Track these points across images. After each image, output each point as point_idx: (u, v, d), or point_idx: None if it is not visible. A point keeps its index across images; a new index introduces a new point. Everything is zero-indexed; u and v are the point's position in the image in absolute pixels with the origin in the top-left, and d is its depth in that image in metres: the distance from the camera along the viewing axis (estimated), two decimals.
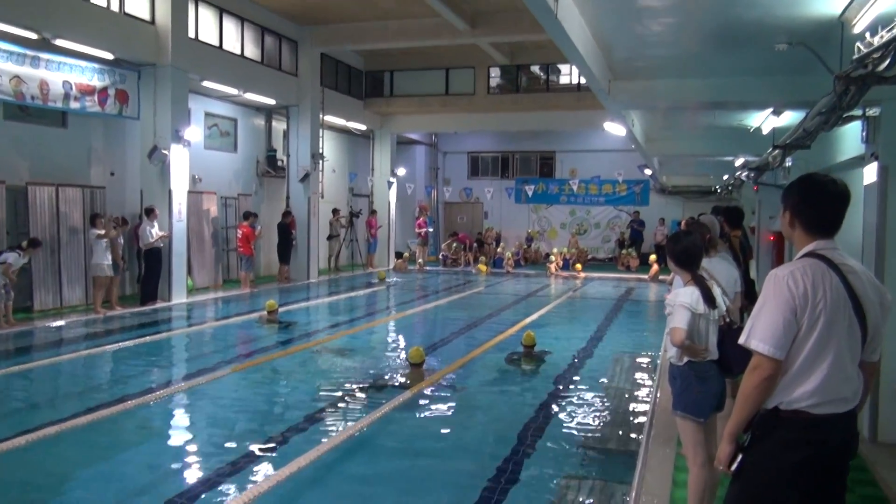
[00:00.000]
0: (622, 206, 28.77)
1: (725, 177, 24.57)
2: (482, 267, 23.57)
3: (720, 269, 5.30)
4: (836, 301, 3.08)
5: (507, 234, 29.08)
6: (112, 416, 7.03)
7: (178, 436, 6.68)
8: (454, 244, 26.44)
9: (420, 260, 24.79)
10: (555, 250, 25.13)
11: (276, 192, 20.84)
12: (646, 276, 21.80)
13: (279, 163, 20.62)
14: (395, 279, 20.74)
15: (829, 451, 3.07)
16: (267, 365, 9.33)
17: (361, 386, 8.27)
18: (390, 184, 24.84)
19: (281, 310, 13.44)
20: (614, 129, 15.41)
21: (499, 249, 25.96)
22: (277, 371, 9.04)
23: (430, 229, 26.72)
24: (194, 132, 15.57)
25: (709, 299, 4.49)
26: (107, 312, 13.11)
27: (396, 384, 8.42)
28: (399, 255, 26.41)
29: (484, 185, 27.90)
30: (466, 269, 24.78)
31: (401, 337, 11.98)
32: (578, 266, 23.48)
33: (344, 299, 16.48)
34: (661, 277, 20.58)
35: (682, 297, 4.49)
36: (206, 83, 16.68)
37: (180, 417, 7.26)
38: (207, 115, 18.33)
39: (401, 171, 26.10)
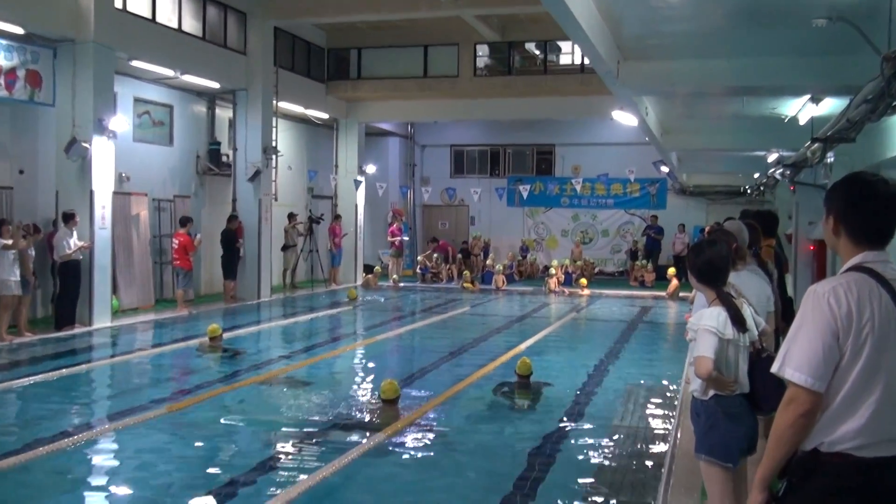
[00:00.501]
0: (635, 210, 29.00)
1: (756, 175, 24.85)
2: (468, 285, 23.62)
3: (751, 284, 5.34)
4: (885, 323, 3.08)
5: (497, 244, 29.19)
6: (20, 464, 6.95)
7: (99, 490, 6.61)
8: (434, 254, 26.49)
9: (394, 275, 24.81)
10: (555, 263, 25.27)
11: (221, 193, 20.79)
12: (663, 294, 21.97)
13: (224, 158, 20.58)
14: (365, 298, 20.72)
15: (879, 502, 3.09)
16: (209, 402, 9.27)
17: (323, 427, 8.24)
18: (358, 183, 24.89)
19: (226, 335, 13.38)
20: (624, 118, 15.52)
21: (488, 262, 26.05)
22: (222, 410, 8.98)
23: (406, 238, 26.80)
24: (121, 122, 15.51)
25: (738, 321, 4.52)
26: (14, 339, 12.98)
27: (366, 425, 8.41)
28: (369, 268, 26.39)
29: (470, 185, 27.99)
30: (449, 284, 24.84)
31: (371, 367, 11.96)
32: (583, 281, 23.59)
33: (302, 322, 16.44)
34: (681, 295, 20.75)
35: (707, 320, 4.52)
36: (135, 63, 16.63)
37: (103, 467, 7.17)
38: (137, 101, 18.27)
39: (370, 169, 26.13)
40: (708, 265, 4.65)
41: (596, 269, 28.04)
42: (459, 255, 27.46)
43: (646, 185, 28.54)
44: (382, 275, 25.13)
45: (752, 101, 14.08)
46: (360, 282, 24.86)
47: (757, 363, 4.57)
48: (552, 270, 24.13)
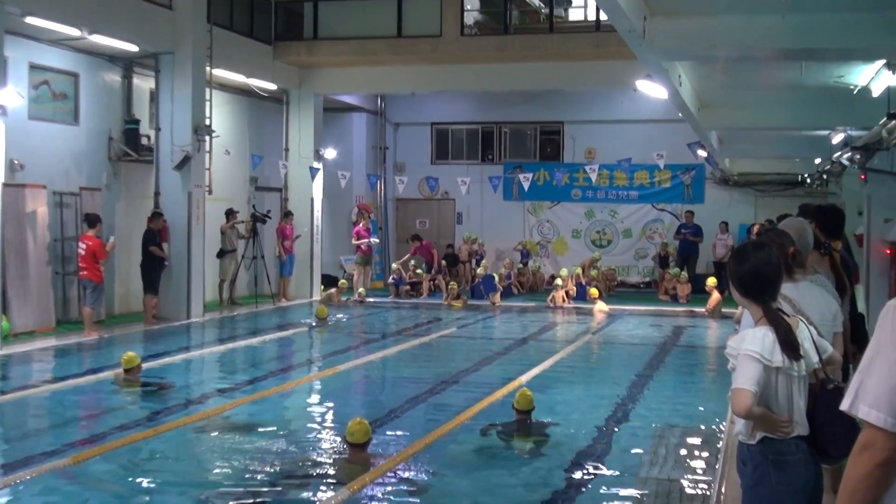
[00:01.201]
0: (665, 205, 29.19)
1: (818, 160, 25.03)
2: (456, 303, 23.63)
3: (811, 299, 5.32)
4: None
5: (491, 247, 29.29)
6: None
7: None
8: (413, 260, 26.50)
9: (361, 288, 24.82)
10: (563, 271, 25.39)
11: (140, 184, 20.74)
12: (702, 310, 22.08)
13: (144, 141, 20.54)
14: (330, 318, 20.71)
15: None
16: (125, 452, 9.22)
17: (272, 482, 8.22)
18: (314, 172, 24.87)
19: (146, 365, 13.32)
20: (651, 89, 15.58)
21: (479, 270, 26.09)
22: (142, 458, 8.94)
23: (376, 240, 26.82)
24: (12, 94, 15.42)
25: (790, 345, 4.53)
26: None
27: (328, 476, 8.39)
28: (328, 280, 26.37)
29: (456, 174, 27.99)
30: (431, 300, 24.88)
31: (332, 406, 11.95)
32: (594, 292, 23.73)
33: (245, 348, 16.41)
34: (725, 311, 20.85)
35: (749, 343, 4.53)
36: (30, 20, 16.57)
37: None
38: (34, 68, 18.19)
39: (330, 153, 26.15)
40: (753, 274, 4.66)
41: (617, 280, 28.16)
42: (444, 263, 27.50)
43: (679, 173, 28.70)
44: (347, 289, 25.11)
45: (813, 67, 14.16)
46: (317, 297, 24.84)
47: (820, 397, 4.57)
48: (559, 281, 24.25)
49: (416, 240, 27.14)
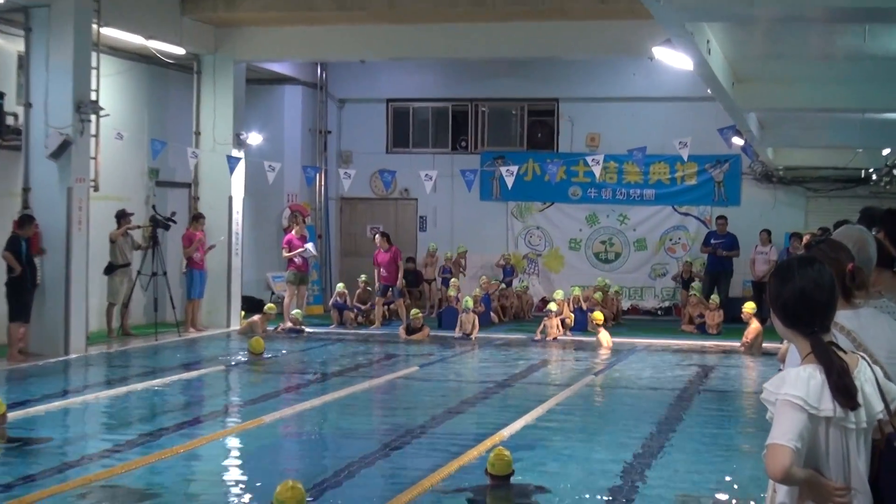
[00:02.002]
0: (690, 208, 29.36)
1: (886, 151, 25.17)
2: (417, 336, 23.57)
3: (876, 330, 5.26)
4: None
5: (464, 261, 29.30)
6: None
7: None
8: (363, 276, 26.44)
9: (294, 312, 24.73)
10: (558, 294, 25.35)
11: (3, 177, 20.65)
12: (738, 345, 22.17)
13: (10, 121, 20.43)
14: (245, 350, 20.63)
15: None
16: None
17: None
18: (234, 162, 24.78)
19: (11, 416, 13.21)
20: (672, 58, 15.65)
21: (450, 291, 26.05)
22: None
23: (314, 251, 26.69)
24: None
25: (844, 390, 4.49)
26: None
27: None
28: (252, 303, 26.25)
29: (419, 166, 27.97)
30: (386, 330, 24.86)
31: (255, 468, 11.89)
32: (598, 316, 23.58)
33: (141, 393, 16.31)
34: (766, 347, 20.92)
35: (791, 386, 4.50)
36: None
37: None
38: None
39: (254, 139, 26.11)
40: (799, 298, 4.63)
41: (627, 306, 28.23)
42: (402, 282, 27.51)
43: (707, 166, 28.91)
44: (274, 318, 24.93)
45: (880, 31, 14.28)
46: (236, 325, 24.73)
47: (886, 457, 4.58)
48: (553, 306, 24.21)
49: (385, 239, 26.19)
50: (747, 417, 15.20)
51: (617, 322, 26.43)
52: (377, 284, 26.18)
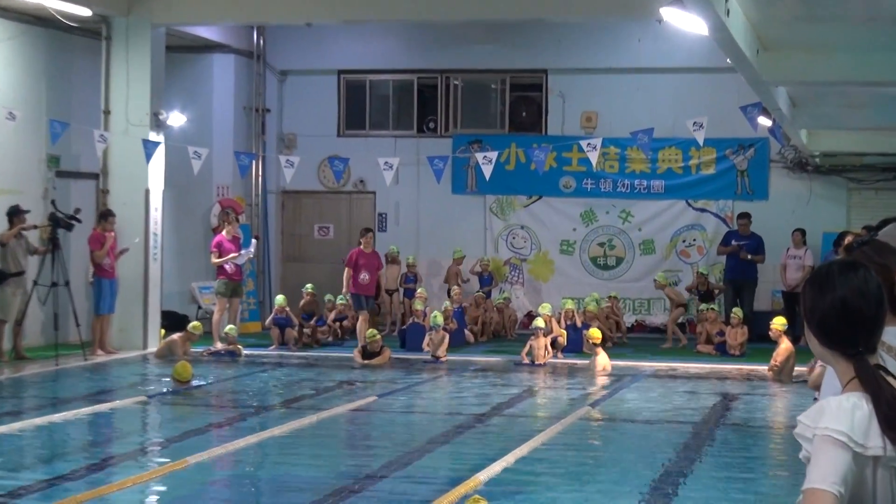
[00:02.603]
0: (706, 202, 29.43)
1: None
2: (377, 361, 23.51)
3: None
4: None
5: (432, 269, 29.35)
6: None
7: None
8: (309, 286, 26.36)
9: (227, 328, 24.63)
10: (545, 307, 25.21)
11: None
12: (764, 369, 22.20)
13: None
14: (167, 376, 20.58)
15: None
16: None
17: None
18: (151, 149, 24.70)
19: None
20: (684, 21, 15.68)
21: (416, 305, 26.00)
22: None
23: (250, 254, 26.55)
24: None
25: (893, 423, 4.49)
26: None
27: None
28: (174, 319, 26.16)
29: (378, 152, 27.97)
30: (339, 352, 24.89)
31: None
32: (594, 333, 23.36)
33: (38, 430, 16.21)
34: (800, 370, 20.95)
35: (831, 419, 4.49)
36: None
37: None
38: None
39: (177, 119, 26.04)
40: (840, 312, 4.60)
41: (631, 321, 28.26)
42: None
43: (728, 152, 28.99)
44: (204, 335, 24.82)
45: None
46: (154, 346, 24.61)
47: None
48: (541, 322, 24.12)
49: (367, 234, 26.17)
50: (777, 458, 15.23)
51: (619, 341, 26.51)
52: (342, 297, 26.34)
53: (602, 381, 21.70)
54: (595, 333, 23.43)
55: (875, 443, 4.38)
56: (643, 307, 29.29)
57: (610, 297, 27.94)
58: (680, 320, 28.73)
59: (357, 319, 26.00)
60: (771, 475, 14.28)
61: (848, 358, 4.55)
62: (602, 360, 22.67)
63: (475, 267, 29.12)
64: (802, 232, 27.27)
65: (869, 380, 4.47)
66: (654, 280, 27.55)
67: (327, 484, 13.04)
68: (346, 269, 25.74)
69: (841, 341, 4.56)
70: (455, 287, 27.75)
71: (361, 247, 25.77)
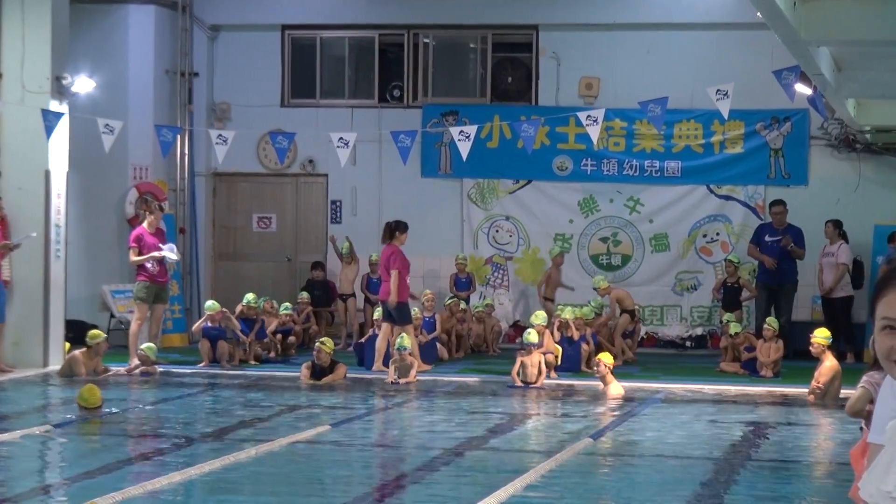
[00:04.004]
0: (733, 188, 29.53)
1: None
2: (330, 380, 23.53)
3: None
4: None
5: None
6: None
7: None
8: (249, 301, 26.45)
9: (143, 347, 24.60)
10: (538, 316, 25.17)
11: None
12: (805, 391, 22.20)
13: None
14: (71, 400, 20.59)
15: None
16: None
17: None
18: (53, 120, 24.70)
19: None
20: None
21: (377, 315, 26.00)
22: None
23: (173, 255, 26.54)
24: None
25: None
26: None
27: None
28: (77, 329, 26.13)
29: (331, 126, 28.09)
30: (286, 370, 25.03)
31: None
32: (608, 358, 23.17)
33: None
34: (845, 393, 21.02)
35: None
36: None
37: None
38: None
39: (84, 84, 26.01)
40: None
41: (641, 334, 28.31)
42: (304, 296, 27.60)
43: (759, 126, 29.09)
44: (118, 352, 24.85)
45: None
46: (57, 364, 24.58)
47: None
48: (532, 335, 24.10)
49: (400, 231, 26.03)
50: (818, 498, 15.28)
51: (629, 358, 26.79)
52: (286, 305, 26.49)
53: (609, 405, 21.69)
54: (607, 359, 22.93)
55: None
56: (655, 316, 29.38)
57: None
58: (698, 332, 28.85)
59: (385, 332, 25.76)
60: None
61: None
62: (615, 390, 22.43)
63: (449, 268, 29.17)
64: (836, 223, 27.45)
65: None
66: (595, 288, 27.63)
67: None
68: (397, 271, 25.43)
69: None
70: (427, 291, 27.78)
71: (401, 245, 25.86)
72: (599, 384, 22.95)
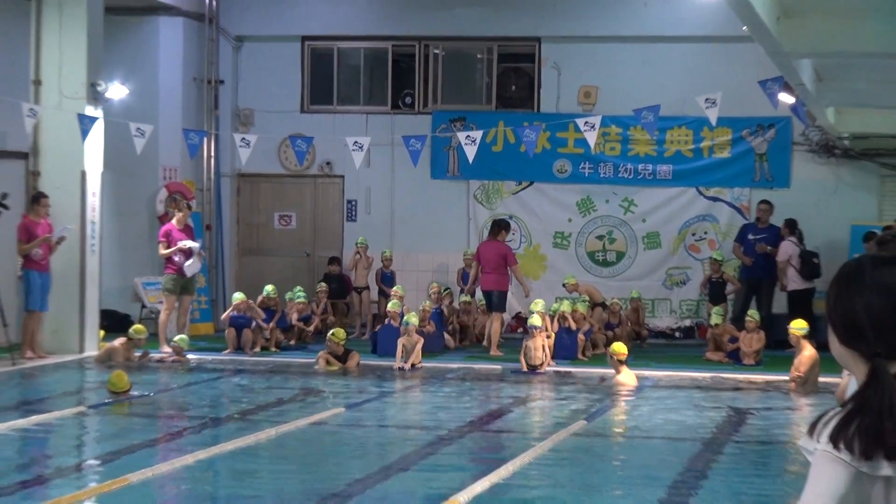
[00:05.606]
0: (720, 190, 29.56)
1: None
2: (332, 366, 23.53)
3: None
4: None
5: (408, 263, 29.54)
6: None
7: None
8: (269, 293, 26.42)
9: (177, 339, 24.57)
10: (538, 304, 25.13)
11: None
12: (785, 378, 22.24)
13: None
14: (104, 383, 20.61)
15: None
16: None
17: None
18: (88, 125, 24.70)
19: None
20: None
21: (391, 306, 25.98)
22: None
23: (199, 248, 26.48)
24: None
25: (872, 434, 4.44)
26: None
27: None
28: (119, 321, 26.13)
29: (346, 131, 28.08)
30: (304, 356, 25.11)
31: None
32: (620, 349, 22.63)
33: None
34: (825, 379, 20.98)
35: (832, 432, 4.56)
36: None
37: None
38: None
39: (117, 91, 26.04)
40: (867, 309, 4.55)
41: (644, 328, 28.28)
42: (322, 286, 27.60)
43: (745, 133, 29.09)
44: (149, 340, 24.77)
45: None
46: (93, 350, 24.57)
47: None
48: (537, 319, 24.12)
49: (505, 230, 27.39)
50: (796, 477, 15.26)
51: (638, 343, 27.15)
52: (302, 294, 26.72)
53: (611, 392, 21.72)
54: (619, 349, 22.56)
55: (882, 462, 4.37)
56: (647, 309, 29.26)
57: (632, 299, 28.45)
58: (686, 323, 28.90)
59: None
60: (789, 495, 14.34)
61: (867, 360, 4.51)
62: (625, 378, 22.16)
63: (458, 262, 29.11)
64: (788, 223, 27.61)
65: (877, 384, 4.44)
66: (564, 284, 27.85)
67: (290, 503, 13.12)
68: (516, 267, 26.96)
69: (863, 341, 4.53)
70: (434, 284, 27.82)
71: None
72: (595, 371, 23.13)
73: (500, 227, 26.79)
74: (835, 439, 4.33)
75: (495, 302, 26.40)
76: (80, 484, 14.29)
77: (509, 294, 29.34)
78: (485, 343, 25.94)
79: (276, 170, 30.59)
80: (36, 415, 18.33)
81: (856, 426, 4.35)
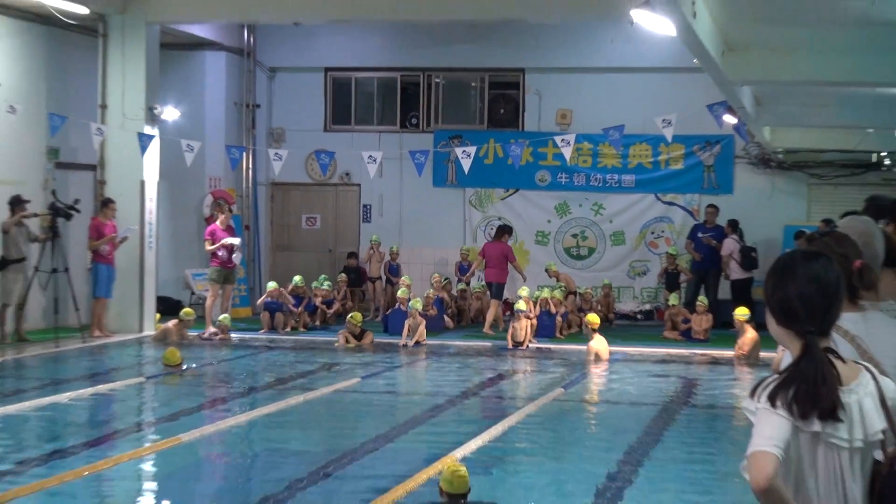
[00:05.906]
0: (675, 196, 29.57)
1: None
2: (349, 343, 23.59)
3: (884, 337, 5.21)
4: None
5: (412, 258, 29.54)
6: None
7: None
8: (297, 283, 26.38)
9: (221, 317, 24.61)
10: (523, 291, 25.11)
11: None
12: (730, 354, 22.37)
13: None
14: (164, 358, 20.59)
15: None
16: None
17: None
18: (146, 141, 24.67)
19: None
20: (653, 23, 15.69)
21: (400, 293, 25.97)
22: None
23: (236, 248, 26.41)
24: None
25: (818, 398, 4.41)
26: None
27: None
28: (168, 304, 26.10)
29: (362, 146, 28.02)
30: (326, 336, 25.03)
31: (175, 490, 11.95)
32: (594, 318, 22.73)
33: (39, 409, 16.15)
34: (764, 355, 20.97)
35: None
36: None
37: None
38: None
39: (171, 114, 26.03)
40: (799, 295, 4.63)
41: (613, 311, 28.25)
42: (342, 276, 27.56)
43: (696, 148, 29.06)
44: (196, 319, 24.77)
45: None
46: (151, 330, 24.56)
47: (888, 485, 4.58)
48: (522, 304, 24.17)
49: (508, 234, 27.45)
50: (738, 435, 15.26)
51: (609, 323, 27.08)
52: (327, 282, 26.82)
53: (596, 363, 21.75)
54: (593, 319, 23.05)
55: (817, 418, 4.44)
56: (613, 295, 29.21)
57: (604, 286, 28.44)
58: (646, 307, 28.91)
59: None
60: (731, 451, 14.28)
61: (800, 337, 4.60)
62: (597, 344, 22.30)
63: (456, 255, 29.10)
64: (730, 223, 27.69)
65: (810, 357, 4.51)
66: (546, 270, 28.07)
67: (316, 457, 13.08)
68: (516, 263, 27.13)
69: (796, 322, 4.61)
70: (436, 275, 27.81)
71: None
72: (571, 347, 23.16)
73: (503, 231, 26.89)
74: (773, 399, 4.42)
75: (494, 291, 26.42)
76: (140, 443, 14.29)
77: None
78: (485, 329, 25.88)
79: (304, 179, 30.52)
80: (102, 384, 18.36)
81: (793, 391, 4.42)
